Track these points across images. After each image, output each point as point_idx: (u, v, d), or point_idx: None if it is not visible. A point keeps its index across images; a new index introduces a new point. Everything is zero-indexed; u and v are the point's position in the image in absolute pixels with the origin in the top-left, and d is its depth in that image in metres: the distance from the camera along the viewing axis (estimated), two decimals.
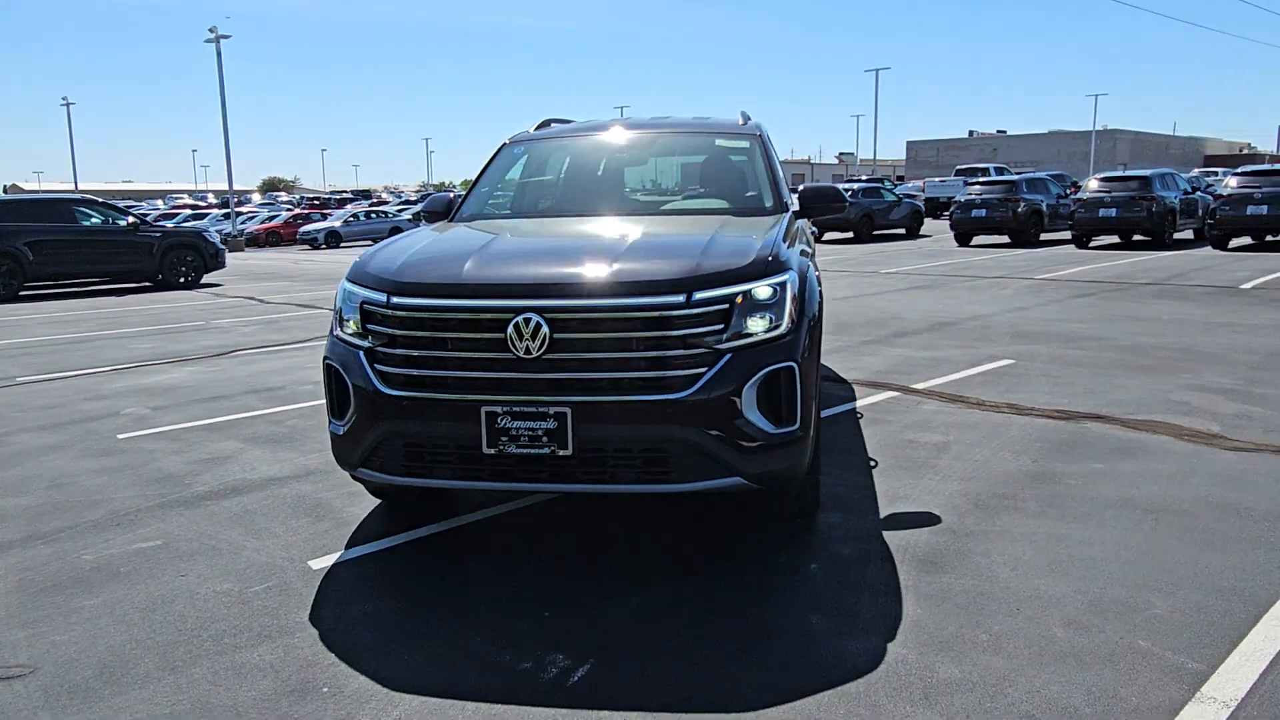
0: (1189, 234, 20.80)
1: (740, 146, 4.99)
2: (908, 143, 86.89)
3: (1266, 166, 19.27)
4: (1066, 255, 18.26)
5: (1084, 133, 76.70)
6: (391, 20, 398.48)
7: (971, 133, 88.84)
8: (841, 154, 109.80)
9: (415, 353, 3.33)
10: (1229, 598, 3.12)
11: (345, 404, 3.48)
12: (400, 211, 38.70)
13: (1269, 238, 18.35)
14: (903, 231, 27.14)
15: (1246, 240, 18.79)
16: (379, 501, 4.24)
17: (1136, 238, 19.81)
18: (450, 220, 4.77)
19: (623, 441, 3.19)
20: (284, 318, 11.93)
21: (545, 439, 3.17)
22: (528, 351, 3.16)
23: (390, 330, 3.37)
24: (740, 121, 5.19)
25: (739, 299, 3.23)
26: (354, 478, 3.73)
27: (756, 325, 3.24)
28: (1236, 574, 3.30)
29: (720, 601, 3.22)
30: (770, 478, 3.29)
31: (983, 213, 20.88)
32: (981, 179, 24.33)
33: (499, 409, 3.19)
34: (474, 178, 5.22)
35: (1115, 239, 20.52)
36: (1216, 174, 36.51)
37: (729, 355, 3.18)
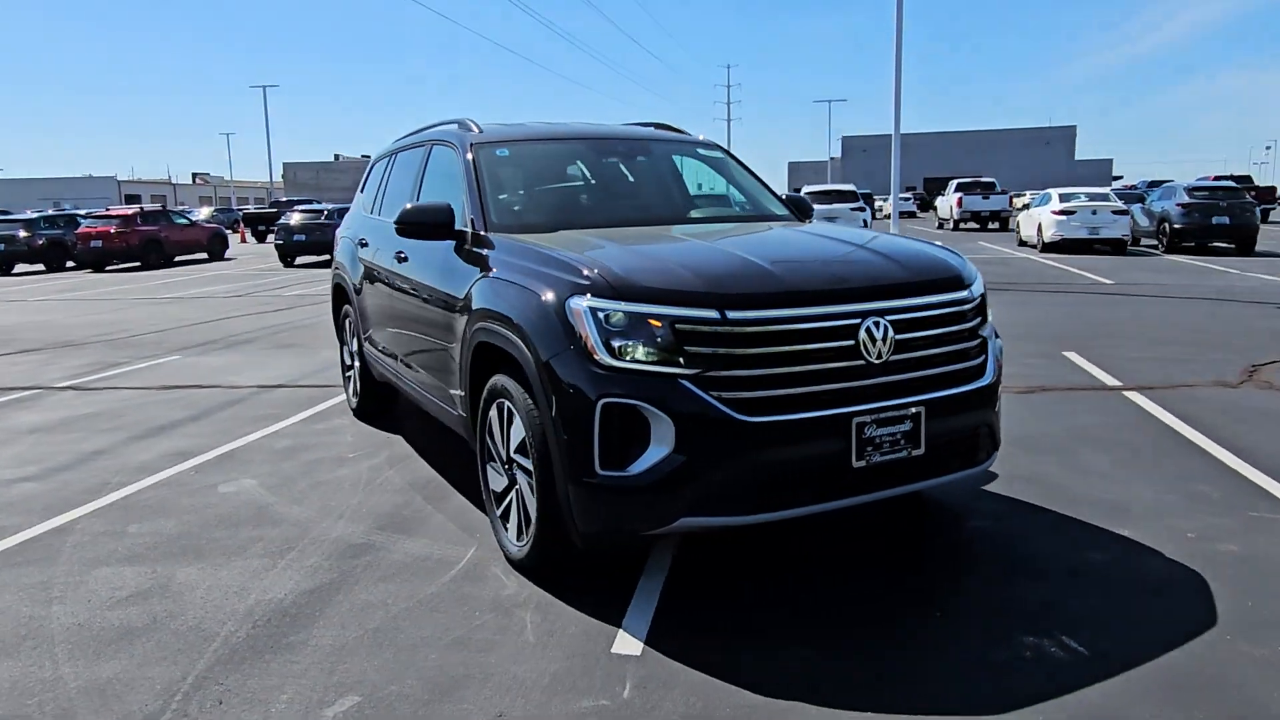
0: None
1: (718, 156, 5.08)
2: (284, 164, 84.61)
3: None
4: None
5: None
6: None
7: (337, 156, 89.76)
8: (198, 174, 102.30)
9: (770, 371, 3.01)
10: None
11: (646, 445, 2.94)
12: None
13: None
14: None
15: None
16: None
17: None
18: (490, 231, 3.99)
19: (956, 432, 3.34)
20: None
21: (903, 442, 3.16)
22: (879, 355, 3.12)
23: (730, 350, 2.98)
24: (700, 136, 5.27)
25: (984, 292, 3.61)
26: (635, 540, 3.11)
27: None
28: None
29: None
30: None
31: (302, 237, 22.60)
32: (302, 208, 25.39)
33: (867, 418, 3.08)
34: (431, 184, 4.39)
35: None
36: None
37: (986, 340, 3.54)
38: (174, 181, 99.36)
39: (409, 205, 4.13)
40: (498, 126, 4.73)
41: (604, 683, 2.73)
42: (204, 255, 26.09)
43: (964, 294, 3.43)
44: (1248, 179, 39.18)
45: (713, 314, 2.99)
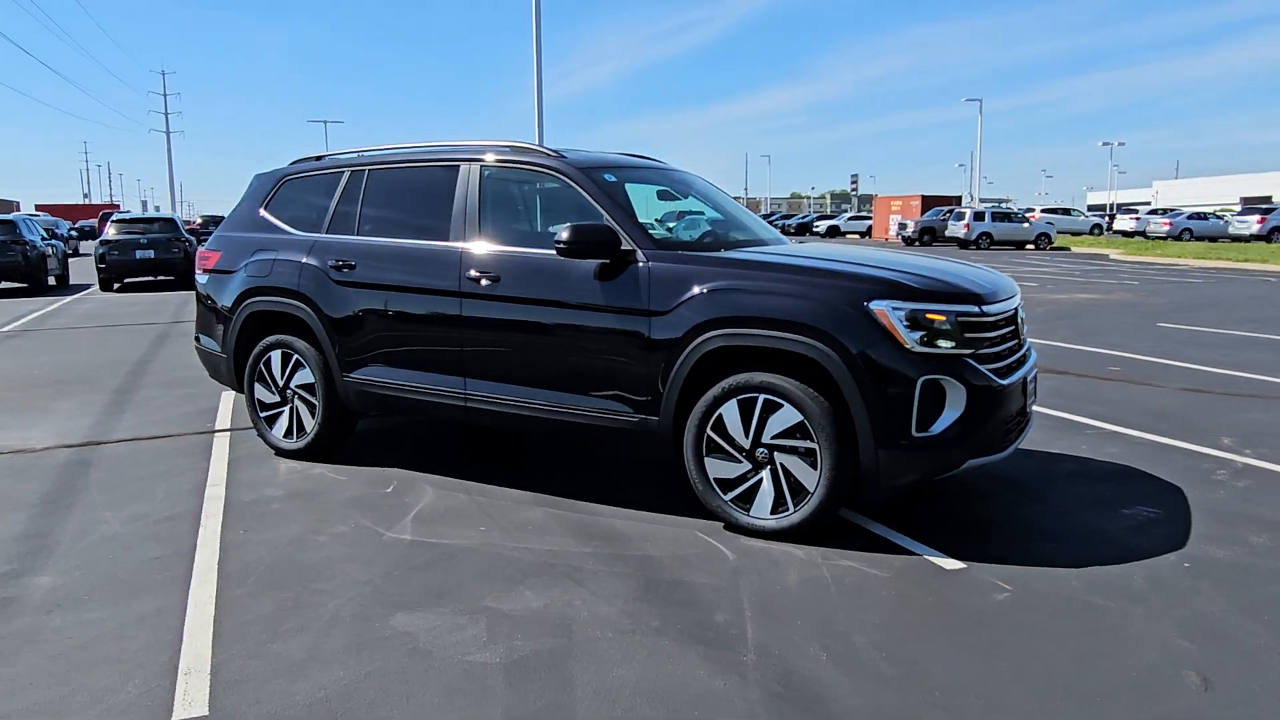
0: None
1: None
2: None
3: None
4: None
5: None
6: None
7: None
8: None
9: (1000, 347, 4.15)
10: None
11: (943, 409, 3.93)
12: None
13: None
14: None
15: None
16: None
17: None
18: (651, 249, 4.40)
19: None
20: None
21: (1033, 396, 4.54)
22: (1016, 333, 4.45)
23: (985, 334, 4.06)
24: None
25: None
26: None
27: None
28: None
29: None
30: None
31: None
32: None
33: (1030, 377, 4.40)
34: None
35: None
36: None
37: None
38: None
39: (574, 226, 4.34)
40: (576, 152, 5.02)
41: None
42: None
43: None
44: None
45: (975, 309, 4.04)
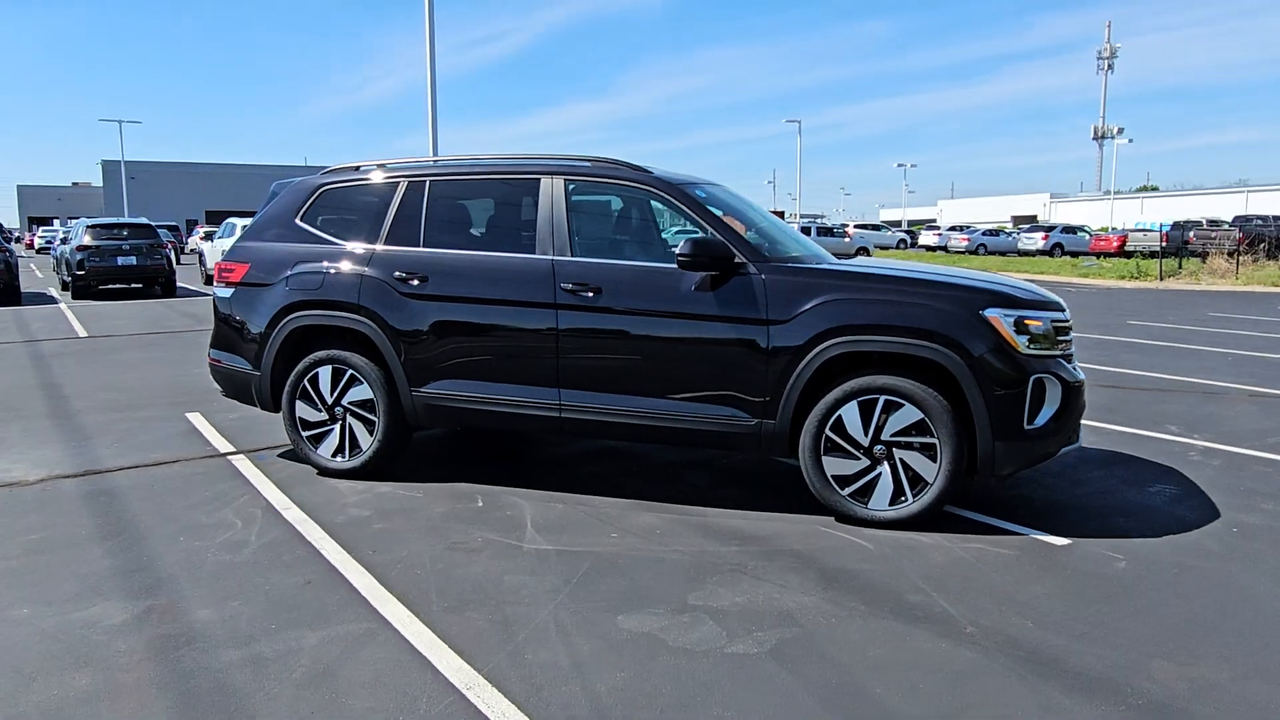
0: None
1: None
2: None
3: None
4: None
5: None
6: None
7: None
8: None
9: (1071, 350, 4.73)
10: None
11: (1044, 404, 4.46)
12: None
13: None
14: None
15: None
16: None
17: None
18: (761, 262, 4.69)
19: None
20: None
21: None
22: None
23: (1066, 338, 4.64)
24: None
25: None
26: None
27: None
28: None
29: None
30: None
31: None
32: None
33: None
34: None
35: None
36: None
37: None
38: None
39: (695, 240, 4.56)
40: (660, 170, 5.20)
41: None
42: None
43: None
44: None
45: (1062, 315, 4.59)
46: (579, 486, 5.26)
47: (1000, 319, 4.40)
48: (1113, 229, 40.20)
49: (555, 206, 5.06)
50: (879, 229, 50.35)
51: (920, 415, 4.40)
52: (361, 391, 5.33)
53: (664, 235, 5.37)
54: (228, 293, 5.69)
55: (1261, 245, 27.26)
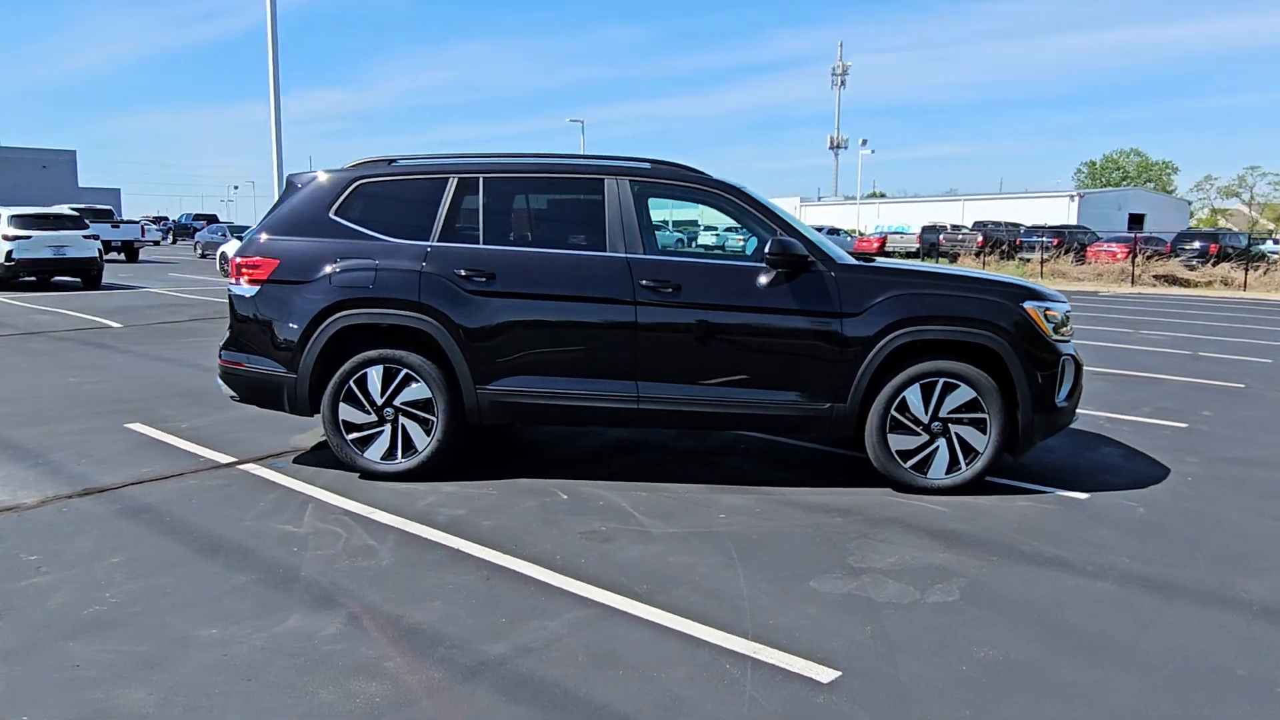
0: None
1: None
2: None
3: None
4: None
5: None
6: None
7: None
8: None
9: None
10: None
11: (1064, 381, 5.31)
12: None
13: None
14: None
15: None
16: None
17: None
18: (829, 263, 5.16)
19: None
20: None
21: None
22: None
23: (1071, 325, 5.50)
24: None
25: None
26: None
27: None
28: None
29: None
30: None
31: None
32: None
33: None
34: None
35: None
36: None
37: None
38: None
39: (782, 240, 4.97)
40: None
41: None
42: None
43: None
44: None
45: (1069, 307, 5.43)
46: (633, 475, 5.48)
47: (1036, 309, 5.17)
48: (873, 230, 44.31)
49: (624, 206, 5.25)
50: None
51: (973, 394, 5.08)
52: (417, 391, 5.23)
53: (716, 235, 5.72)
54: (252, 291, 5.34)
55: (1000, 247, 31.49)
